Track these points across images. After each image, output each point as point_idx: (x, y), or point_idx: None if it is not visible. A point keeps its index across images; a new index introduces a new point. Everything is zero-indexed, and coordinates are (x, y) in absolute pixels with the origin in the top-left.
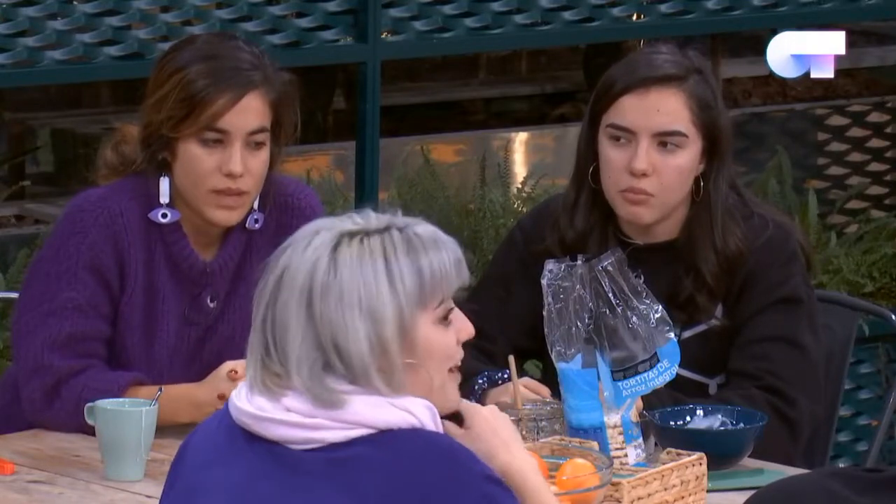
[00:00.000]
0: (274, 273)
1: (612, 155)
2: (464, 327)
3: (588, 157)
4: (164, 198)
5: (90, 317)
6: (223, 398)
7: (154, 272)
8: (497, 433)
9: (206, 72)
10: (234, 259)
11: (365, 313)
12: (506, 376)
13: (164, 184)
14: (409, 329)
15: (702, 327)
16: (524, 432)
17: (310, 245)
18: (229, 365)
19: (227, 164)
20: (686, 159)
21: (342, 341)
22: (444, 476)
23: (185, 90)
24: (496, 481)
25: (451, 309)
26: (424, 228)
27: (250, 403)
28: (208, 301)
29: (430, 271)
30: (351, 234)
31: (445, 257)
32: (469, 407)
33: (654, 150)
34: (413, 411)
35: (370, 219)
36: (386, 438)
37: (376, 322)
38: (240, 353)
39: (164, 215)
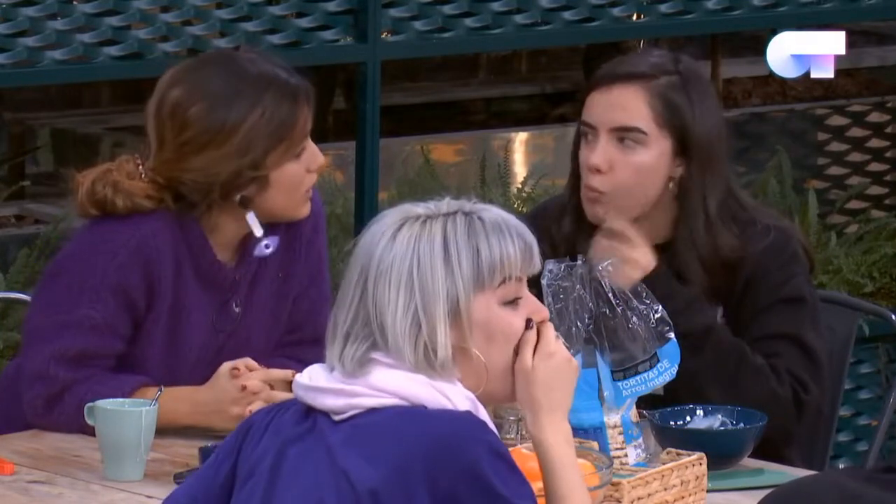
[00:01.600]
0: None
1: (581, 153)
2: (537, 310)
3: (577, 159)
4: (259, 230)
5: (105, 336)
6: (242, 410)
7: (182, 287)
8: (550, 392)
9: (278, 98)
10: (254, 262)
11: (417, 289)
12: None
13: (252, 217)
14: (462, 311)
15: None
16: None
17: (377, 225)
18: (229, 364)
19: (314, 161)
20: (647, 158)
21: (387, 318)
22: (447, 436)
23: (270, 124)
24: (502, 456)
25: (520, 294)
26: (491, 214)
27: (308, 377)
28: (234, 307)
29: (489, 254)
30: (416, 217)
31: (509, 242)
32: (548, 346)
33: (613, 146)
34: (450, 396)
35: (442, 204)
36: (413, 410)
37: (426, 298)
38: (254, 354)
39: (267, 246)
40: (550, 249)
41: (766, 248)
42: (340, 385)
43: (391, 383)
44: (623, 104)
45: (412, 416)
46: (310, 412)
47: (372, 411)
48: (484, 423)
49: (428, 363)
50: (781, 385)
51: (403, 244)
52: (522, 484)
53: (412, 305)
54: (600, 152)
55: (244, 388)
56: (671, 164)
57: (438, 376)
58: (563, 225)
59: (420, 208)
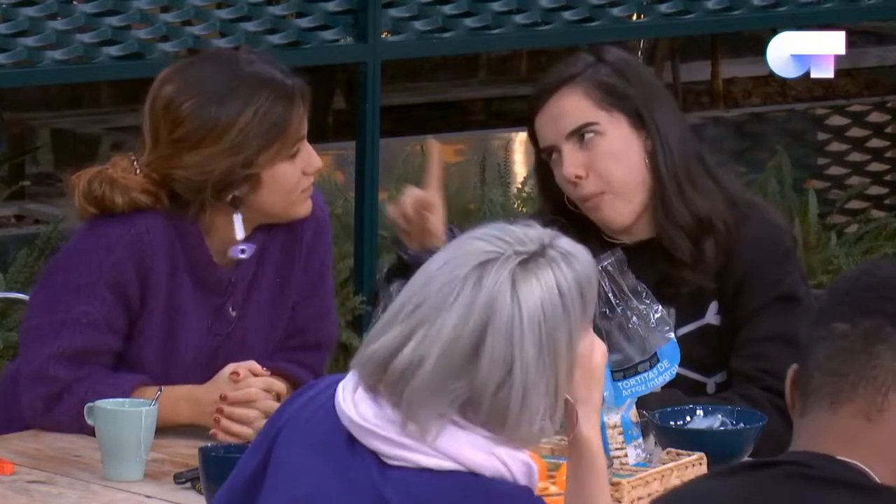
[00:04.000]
0: (432, 284)
1: (556, 174)
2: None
3: (544, 178)
4: (241, 233)
5: (103, 332)
6: (225, 399)
7: (177, 288)
8: (600, 388)
9: (273, 98)
10: (252, 265)
11: (549, 363)
12: None
13: (238, 218)
14: (575, 358)
15: (697, 324)
16: None
17: (483, 277)
18: (232, 367)
19: (309, 163)
20: (612, 142)
21: (527, 401)
22: None
23: (263, 123)
24: None
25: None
26: (564, 241)
27: (355, 409)
28: (230, 310)
29: (591, 293)
30: (521, 263)
31: (592, 269)
32: (602, 344)
33: (578, 150)
34: (508, 463)
35: (519, 237)
36: (469, 481)
37: (559, 371)
38: (251, 357)
39: (243, 251)
40: None
41: (758, 244)
42: (396, 437)
43: (454, 448)
44: (564, 110)
45: (475, 493)
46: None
47: (426, 471)
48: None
49: (526, 435)
50: (768, 417)
51: (531, 303)
52: None
53: (549, 382)
54: (569, 161)
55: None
56: (638, 138)
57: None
58: None
59: (507, 247)
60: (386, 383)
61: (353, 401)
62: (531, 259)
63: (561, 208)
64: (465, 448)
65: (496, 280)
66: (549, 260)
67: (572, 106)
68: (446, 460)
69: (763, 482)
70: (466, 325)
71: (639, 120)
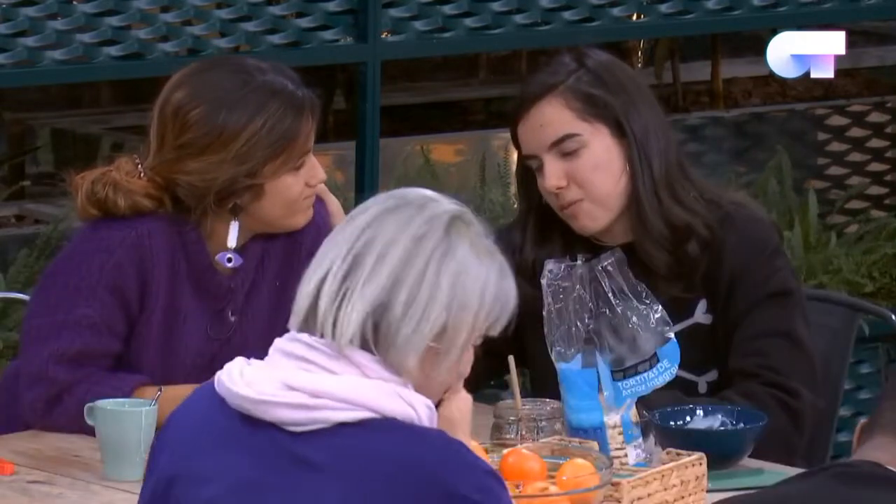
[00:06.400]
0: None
1: (539, 183)
2: None
3: (525, 180)
4: (234, 241)
5: (103, 335)
6: None
7: (177, 291)
8: (456, 429)
9: (282, 110)
10: (251, 271)
11: (459, 298)
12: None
13: (235, 227)
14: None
15: (686, 323)
16: (524, 432)
17: (416, 217)
18: None
19: (313, 175)
20: (594, 154)
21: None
22: (447, 464)
23: (270, 135)
24: (495, 476)
25: None
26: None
27: (248, 386)
28: (230, 315)
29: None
30: (456, 217)
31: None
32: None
33: (560, 160)
34: (416, 407)
35: (443, 200)
36: (391, 425)
37: (463, 309)
38: None
39: (230, 260)
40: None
41: (747, 243)
42: (303, 398)
43: (360, 394)
44: (546, 120)
45: (404, 439)
46: (253, 420)
47: (343, 425)
48: (471, 451)
49: (426, 367)
50: (769, 412)
51: (464, 251)
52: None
53: (438, 320)
54: (551, 173)
55: None
56: (620, 146)
57: (417, 379)
58: (525, 251)
59: (446, 204)
60: (381, 336)
61: (243, 382)
62: (461, 218)
63: (541, 211)
64: (373, 393)
65: (430, 219)
66: (473, 222)
67: (554, 117)
68: (359, 410)
69: (811, 484)
70: (396, 244)
71: (619, 129)
